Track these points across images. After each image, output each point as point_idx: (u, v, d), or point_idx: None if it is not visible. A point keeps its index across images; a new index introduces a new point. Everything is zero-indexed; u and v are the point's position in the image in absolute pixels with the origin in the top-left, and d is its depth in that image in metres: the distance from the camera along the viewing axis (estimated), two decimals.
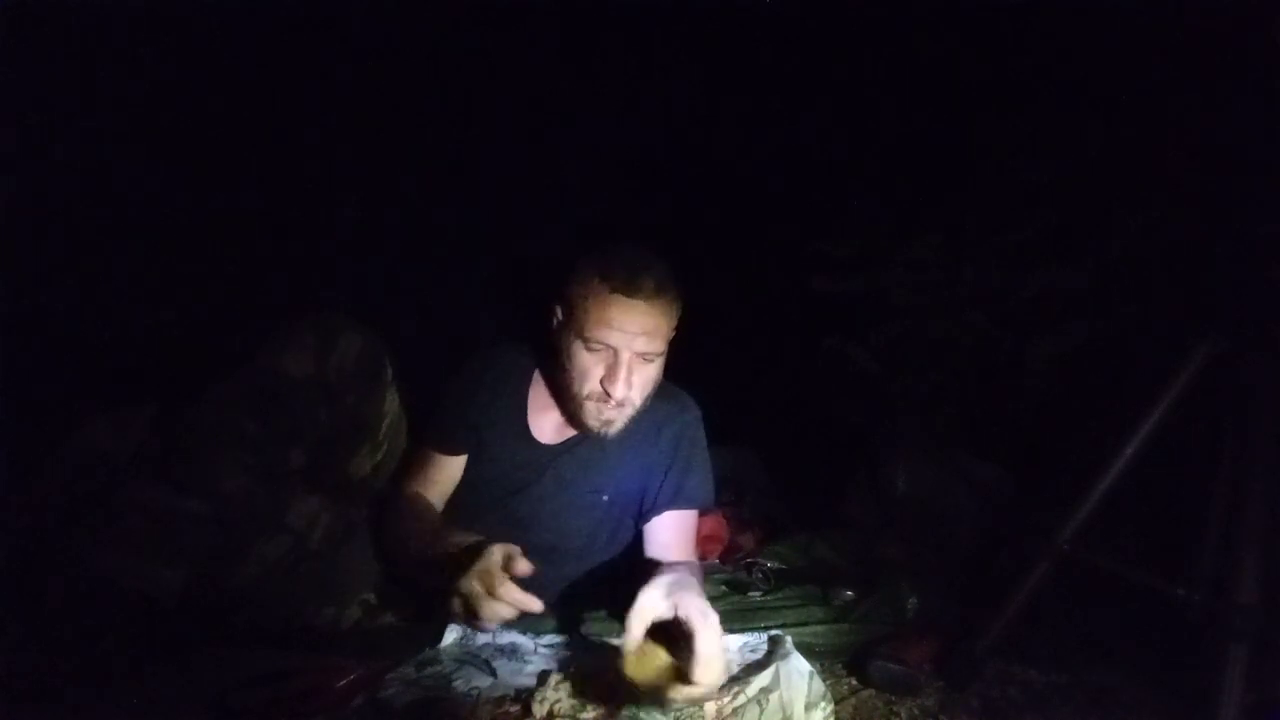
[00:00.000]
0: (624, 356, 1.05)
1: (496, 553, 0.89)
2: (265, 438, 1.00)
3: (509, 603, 0.86)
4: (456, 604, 0.89)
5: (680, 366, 1.21)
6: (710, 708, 0.85)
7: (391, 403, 1.21)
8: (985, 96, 1.97)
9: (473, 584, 0.87)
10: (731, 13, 2.26)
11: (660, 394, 1.18)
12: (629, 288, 1.04)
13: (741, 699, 0.86)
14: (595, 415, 1.11)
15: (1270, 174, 1.05)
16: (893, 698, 1.04)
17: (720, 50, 2.37)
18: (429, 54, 2.15)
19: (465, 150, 2.21)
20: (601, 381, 1.07)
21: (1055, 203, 1.85)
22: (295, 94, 1.96)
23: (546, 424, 1.22)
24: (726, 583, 1.35)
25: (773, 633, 1.05)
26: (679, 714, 0.85)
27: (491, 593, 0.85)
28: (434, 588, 0.94)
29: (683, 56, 2.37)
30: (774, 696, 0.86)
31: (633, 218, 2.20)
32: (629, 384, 1.07)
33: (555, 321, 1.13)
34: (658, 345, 1.08)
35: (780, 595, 1.30)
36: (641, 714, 0.85)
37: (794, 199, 2.29)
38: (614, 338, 1.04)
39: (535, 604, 0.87)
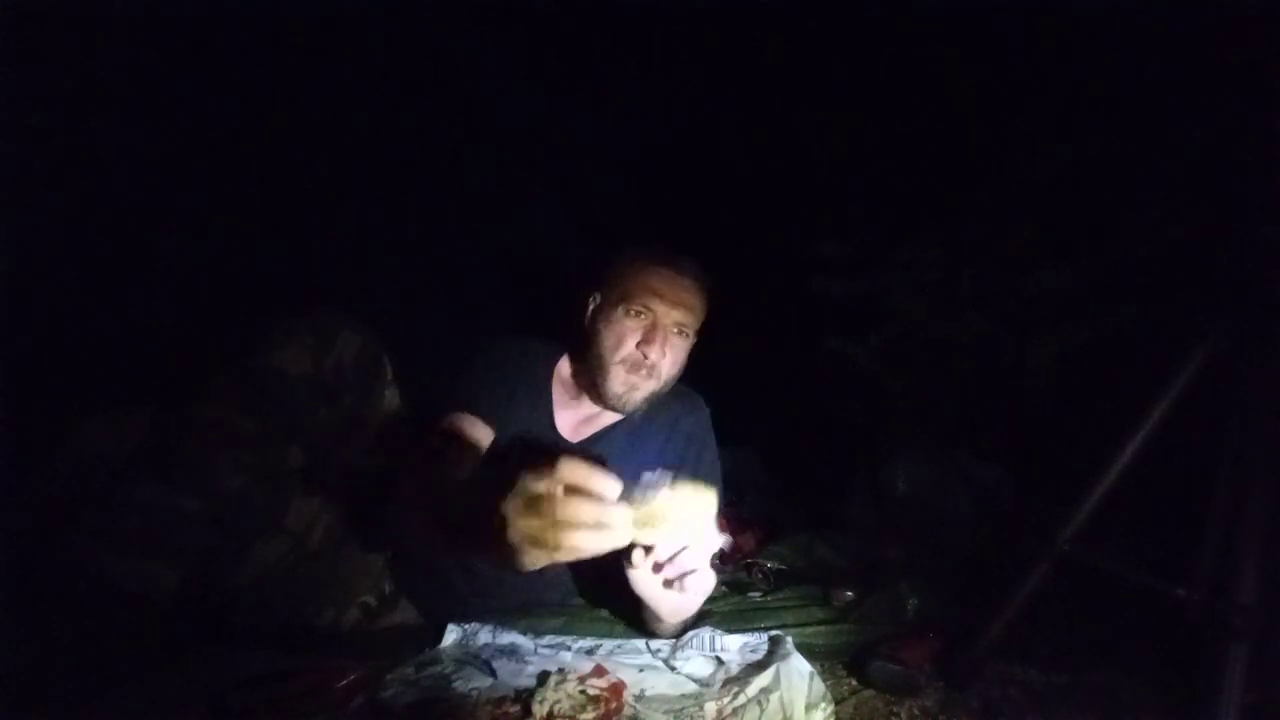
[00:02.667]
0: (663, 322, 1.13)
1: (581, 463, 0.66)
2: (263, 436, 1.00)
3: (590, 514, 0.65)
4: (519, 525, 0.65)
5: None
6: (710, 708, 0.86)
7: (391, 402, 1.20)
8: (984, 97, 1.97)
9: (537, 486, 0.64)
10: (731, 15, 2.26)
11: (672, 393, 1.22)
12: (674, 263, 1.15)
13: (742, 699, 0.86)
14: (623, 382, 1.14)
15: (1270, 174, 1.04)
16: (893, 698, 1.04)
17: (720, 53, 2.37)
18: (429, 54, 2.15)
19: (465, 150, 2.21)
20: (639, 344, 1.13)
21: (1055, 203, 1.85)
22: (296, 94, 1.96)
23: (566, 421, 1.22)
24: (726, 583, 1.35)
25: (773, 633, 1.06)
26: (679, 714, 0.85)
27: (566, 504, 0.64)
28: (468, 531, 0.75)
29: (683, 59, 2.37)
30: (774, 697, 0.86)
31: (633, 219, 2.20)
32: (663, 350, 1.13)
33: (591, 305, 1.19)
34: (691, 322, 1.16)
35: (780, 596, 1.30)
36: (641, 714, 0.85)
37: (794, 201, 2.30)
38: (655, 303, 1.13)
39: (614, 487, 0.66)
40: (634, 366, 1.14)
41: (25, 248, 1.32)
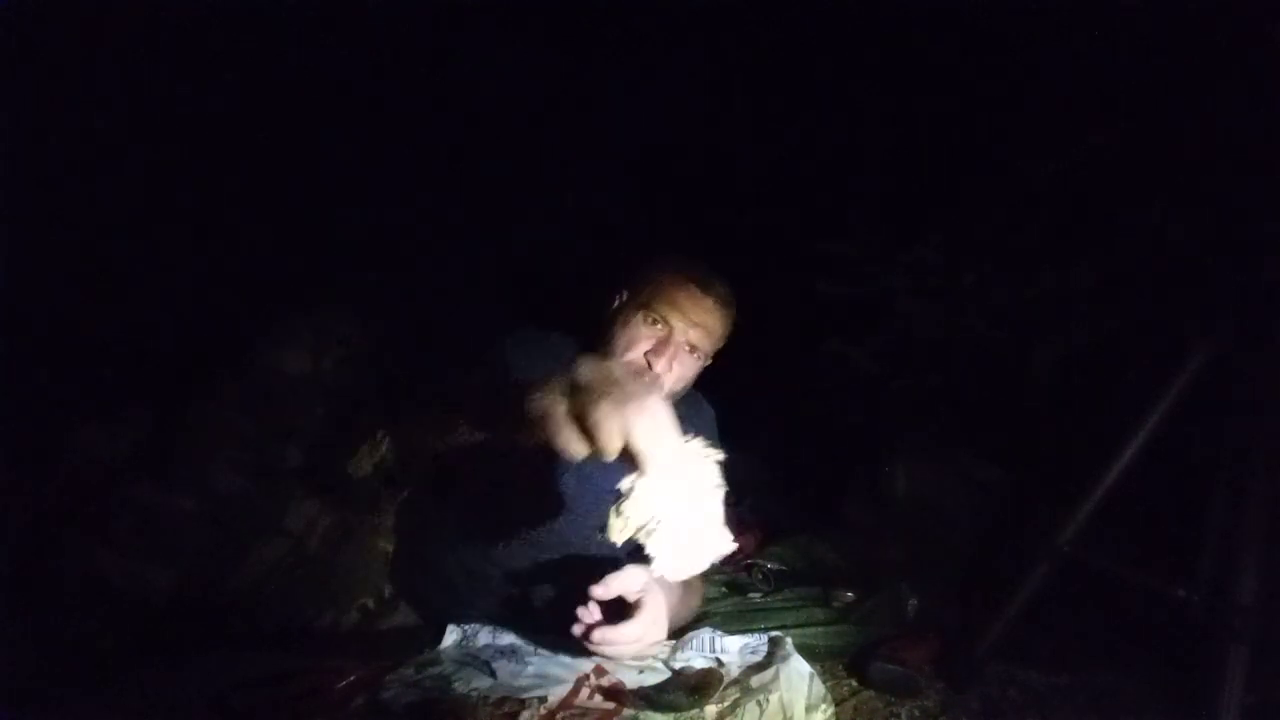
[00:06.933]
0: (677, 338, 1.11)
1: None
2: (260, 435, 1.00)
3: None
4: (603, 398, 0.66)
5: None
6: (711, 709, 0.86)
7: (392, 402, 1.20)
8: (986, 98, 1.97)
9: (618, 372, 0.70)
10: (734, 14, 2.26)
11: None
12: (704, 284, 1.12)
13: (742, 700, 0.86)
14: None
15: (1270, 174, 1.05)
16: (893, 699, 1.04)
17: (722, 52, 2.37)
18: (431, 54, 2.15)
19: (468, 150, 2.21)
20: (647, 353, 1.11)
21: (1056, 204, 1.85)
22: (294, 91, 1.95)
23: None
24: (726, 584, 1.35)
25: (773, 634, 1.06)
26: (679, 714, 0.85)
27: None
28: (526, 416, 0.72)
29: (685, 58, 2.37)
30: (774, 698, 0.86)
31: (636, 218, 2.20)
32: (670, 364, 1.11)
33: (616, 303, 1.17)
34: (706, 345, 1.13)
35: (780, 596, 1.30)
36: (641, 714, 0.85)
37: (796, 201, 2.30)
38: (675, 317, 1.10)
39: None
40: (638, 372, 1.11)
41: (22, 249, 1.32)
